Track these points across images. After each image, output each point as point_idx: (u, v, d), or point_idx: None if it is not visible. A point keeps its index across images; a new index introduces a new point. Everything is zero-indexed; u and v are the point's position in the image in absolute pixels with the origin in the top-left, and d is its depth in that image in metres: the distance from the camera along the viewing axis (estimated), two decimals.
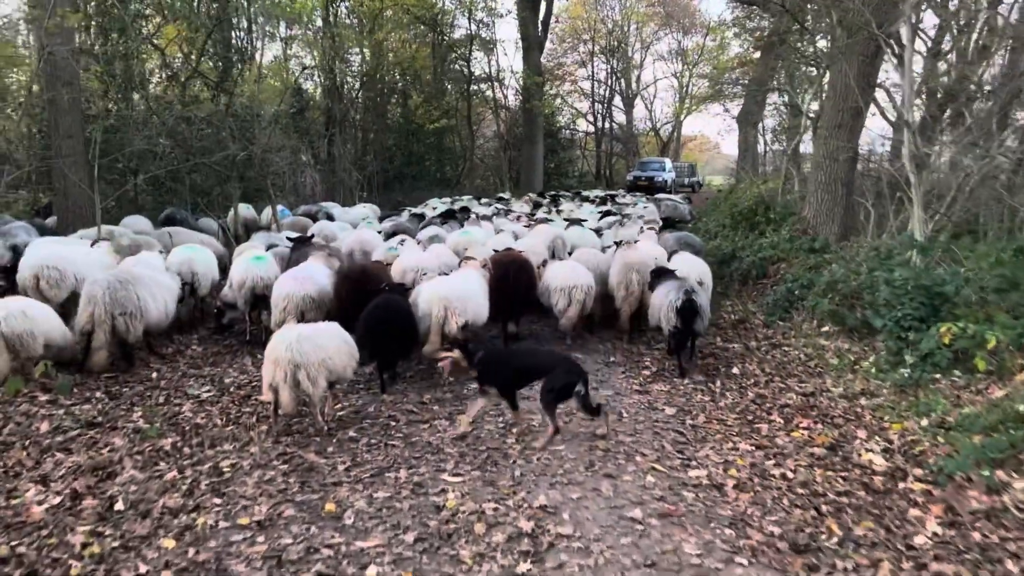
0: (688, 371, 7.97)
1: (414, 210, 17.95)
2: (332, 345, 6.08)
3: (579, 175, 48.70)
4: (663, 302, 7.94)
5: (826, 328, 9.20)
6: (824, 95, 18.03)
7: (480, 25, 35.99)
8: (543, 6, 32.49)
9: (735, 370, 7.98)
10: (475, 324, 7.85)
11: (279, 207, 16.91)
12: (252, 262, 8.96)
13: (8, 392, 6.50)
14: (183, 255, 9.68)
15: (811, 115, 20.72)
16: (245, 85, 24.77)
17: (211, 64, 20.78)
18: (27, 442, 5.61)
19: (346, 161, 25.71)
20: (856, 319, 8.75)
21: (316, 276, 8.27)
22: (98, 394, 6.86)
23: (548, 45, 40.15)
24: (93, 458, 5.38)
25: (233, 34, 22.42)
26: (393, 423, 6.32)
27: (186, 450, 5.66)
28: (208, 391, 7.14)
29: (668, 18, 54.44)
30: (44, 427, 5.90)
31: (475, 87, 37.28)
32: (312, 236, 11.34)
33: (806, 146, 31.93)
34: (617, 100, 55.21)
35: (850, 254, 11.04)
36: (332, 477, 5.23)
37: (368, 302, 7.24)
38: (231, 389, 7.23)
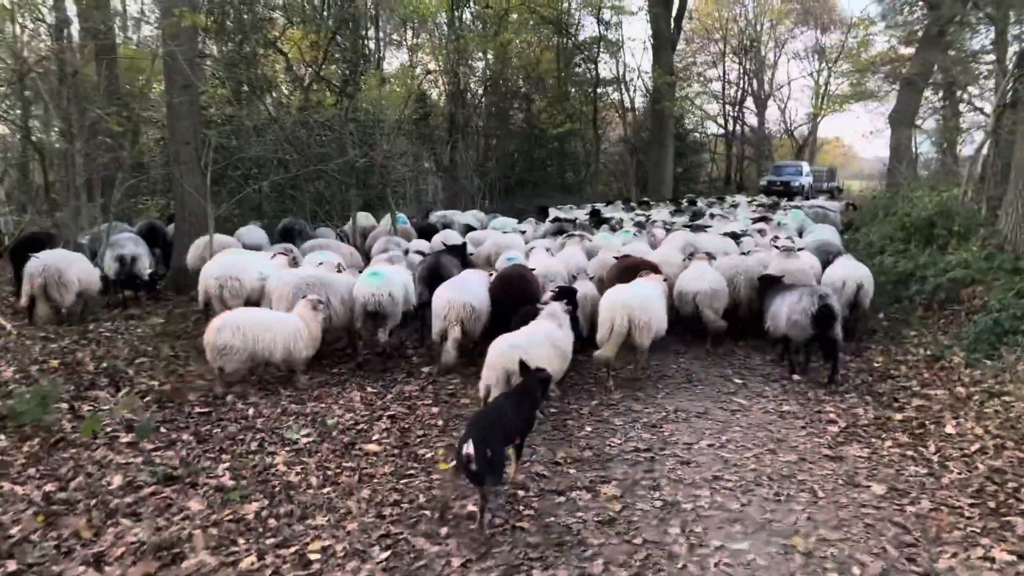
0: (835, 385, 7.67)
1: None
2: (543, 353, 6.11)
3: (709, 180, 46.51)
4: (794, 309, 7.83)
5: None
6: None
7: (607, 26, 34.62)
8: (676, 2, 30.70)
9: (949, 428, 6.28)
10: (657, 335, 7.79)
11: (398, 215, 16.19)
12: (367, 279, 8.40)
13: (84, 433, 5.71)
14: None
15: (986, 113, 18.22)
16: (369, 90, 24.50)
17: (335, 68, 20.44)
18: (93, 502, 4.73)
19: (468, 168, 24.89)
20: None
21: (472, 285, 8.27)
22: (185, 436, 5.98)
23: (678, 45, 38.31)
24: (160, 531, 4.41)
25: (359, 38, 22.09)
26: (522, 492, 5.07)
27: (271, 522, 4.62)
28: (308, 435, 6.13)
29: (805, 14, 51.44)
30: (116, 481, 5.03)
31: (601, 90, 35.90)
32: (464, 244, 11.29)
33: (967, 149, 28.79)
34: (748, 102, 52.58)
35: None
36: (446, 574, 4.05)
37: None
38: (334, 433, 6.19)
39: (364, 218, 15.84)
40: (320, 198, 16.31)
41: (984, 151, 17.11)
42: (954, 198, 13.30)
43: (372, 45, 33.89)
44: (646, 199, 24.71)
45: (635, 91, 37.42)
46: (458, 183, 25.45)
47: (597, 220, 15.89)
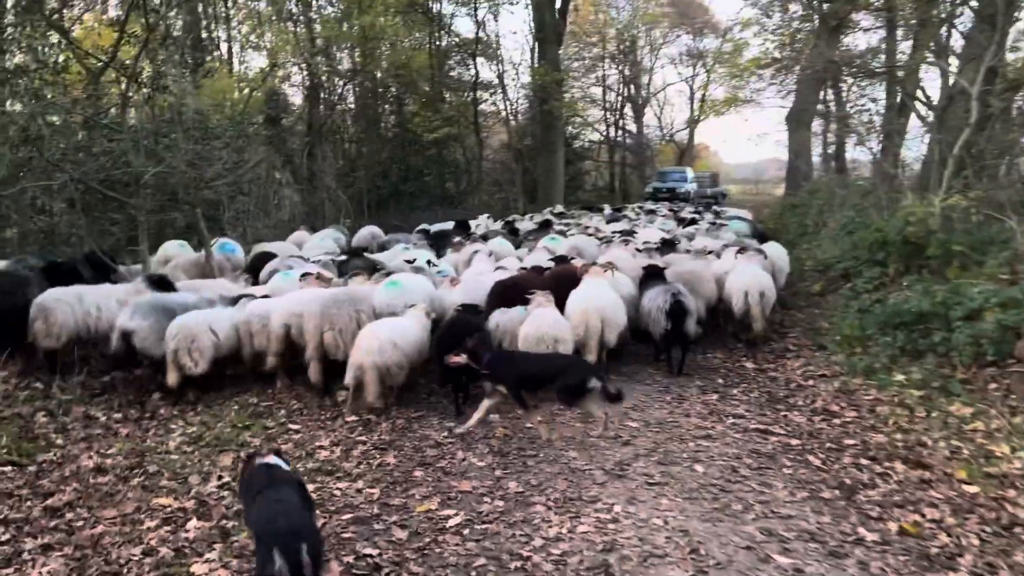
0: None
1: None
2: None
3: (594, 187, 44.15)
4: (651, 305, 8.05)
5: None
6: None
7: (481, 25, 30.97)
8: None
9: None
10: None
11: (224, 241, 12.11)
12: (386, 288, 8.00)
13: None
14: None
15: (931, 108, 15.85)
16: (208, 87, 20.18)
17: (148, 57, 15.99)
18: None
19: (328, 177, 20.79)
20: None
21: None
22: None
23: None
24: None
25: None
26: None
27: None
28: None
29: (681, 18, 50.27)
30: None
31: (480, 93, 32.43)
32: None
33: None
34: (627, 108, 50.94)
35: None
36: None
37: None
38: None
39: (174, 249, 11.63)
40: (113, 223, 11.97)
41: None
42: (953, 208, 10.43)
43: (225, 46, 29.34)
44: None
45: (518, 93, 34.11)
46: (317, 196, 21.31)
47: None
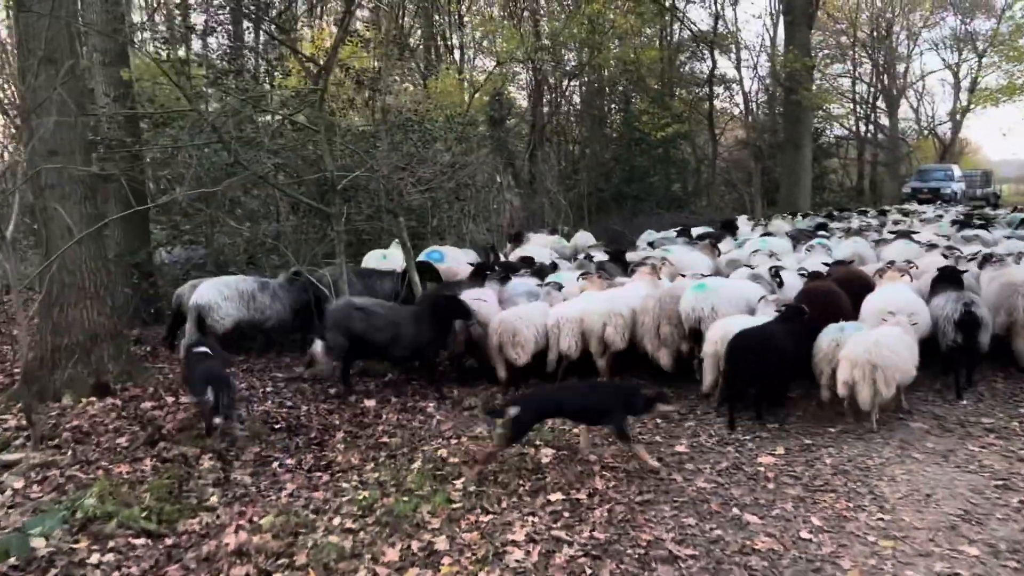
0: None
1: None
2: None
3: (840, 188, 39.81)
4: (939, 314, 7.42)
5: None
6: None
7: (719, 17, 28.33)
8: None
9: None
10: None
11: (432, 249, 11.22)
12: (692, 290, 7.75)
13: None
14: None
15: None
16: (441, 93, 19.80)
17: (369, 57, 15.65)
18: None
19: (549, 180, 19.62)
20: None
21: None
22: None
23: None
24: None
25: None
26: None
27: None
28: None
29: None
30: None
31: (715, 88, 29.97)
32: None
33: None
34: (879, 100, 45.51)
35: None
36: None
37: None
38: None
39: (377, 259, 10.84)
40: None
41: None
42: None
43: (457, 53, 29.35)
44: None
45: (757, 84, 31.24)
46: (536, 200, 20.20)
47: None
